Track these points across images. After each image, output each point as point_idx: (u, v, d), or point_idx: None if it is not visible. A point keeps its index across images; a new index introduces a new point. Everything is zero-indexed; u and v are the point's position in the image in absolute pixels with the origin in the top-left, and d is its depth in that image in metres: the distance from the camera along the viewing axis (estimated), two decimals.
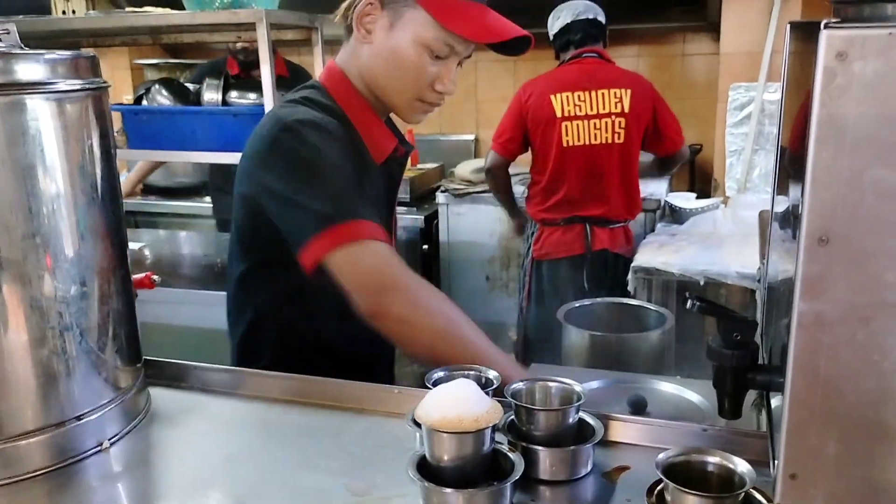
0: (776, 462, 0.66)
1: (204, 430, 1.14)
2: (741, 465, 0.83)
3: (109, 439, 1.06)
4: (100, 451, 1.05)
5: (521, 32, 1.27)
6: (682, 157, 3.16)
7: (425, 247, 3.72)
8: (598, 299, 2.00)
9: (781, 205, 0.96)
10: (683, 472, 0.84)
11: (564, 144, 2.90)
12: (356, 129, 1.31)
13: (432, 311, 1.21)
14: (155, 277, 1.92)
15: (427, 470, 0.90)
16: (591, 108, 2.88)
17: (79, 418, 1.03)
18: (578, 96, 2.88)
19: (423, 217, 3.68)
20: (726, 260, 2.77)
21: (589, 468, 0.96)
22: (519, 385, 1.00)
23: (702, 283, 2.73)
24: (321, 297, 1.24)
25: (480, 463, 0.89)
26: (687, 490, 0.80)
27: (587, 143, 2.90)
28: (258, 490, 0.97)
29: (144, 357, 1.23)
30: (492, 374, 1.04)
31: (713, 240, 3.04)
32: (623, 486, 0.94)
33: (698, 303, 0.85)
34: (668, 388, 1.61)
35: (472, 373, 1.05)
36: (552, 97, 2.88)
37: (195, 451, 1.08)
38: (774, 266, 1.00)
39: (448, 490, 0.86)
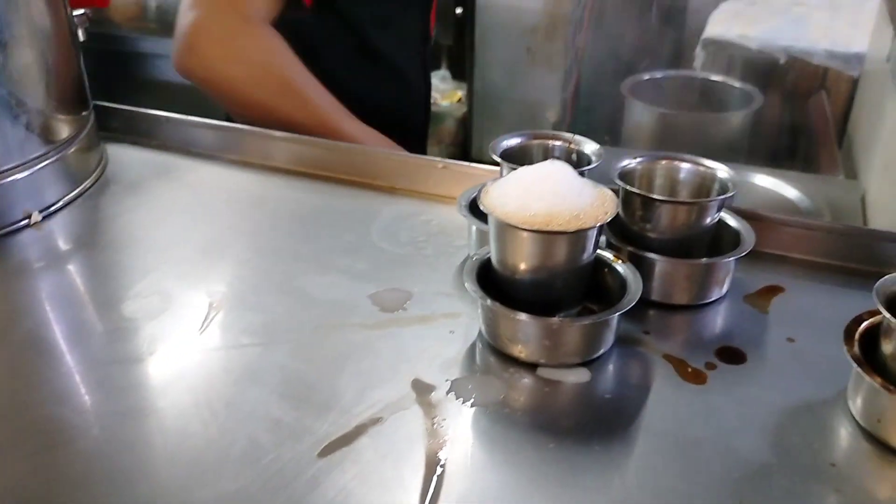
0: None
1: (177, 204, 0.83)
2: None
3: (42, 210, 0.77)
4: (28, 225, 0.75)
5: None
6: None
7: (458, 10, 3.27)
8: (670, 71, 1.68)
9: None
10: None
11: None
12: None
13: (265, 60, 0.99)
14: None
15: (491, 282, 0.60)
16: None
17: None
18: None
19: None
20: (815, 34, 2.36)
21: (725, 290, 0.66)
22: (630, 163, 0.67)
23: (782, 61, 2.35)
24: (328, 33, 1.05)
25: (575, 278, 0.59)
26: None
27: None
28: (247, 291, 0.67)
29: (100, 104, 0.91)
30: (589, 147, 0.71)
31: (800, 9, 2.60)
32: (779, 318, 0.64)
33: None
34: (760, 181, 1.34)
35: (556, 143, 0.72)
36: None
37: (163, 230, 0.77)
38: None
39: (523, 316, 0.56)
